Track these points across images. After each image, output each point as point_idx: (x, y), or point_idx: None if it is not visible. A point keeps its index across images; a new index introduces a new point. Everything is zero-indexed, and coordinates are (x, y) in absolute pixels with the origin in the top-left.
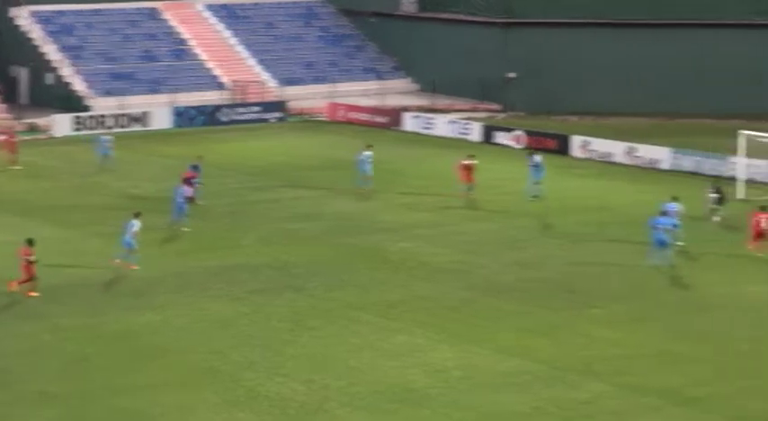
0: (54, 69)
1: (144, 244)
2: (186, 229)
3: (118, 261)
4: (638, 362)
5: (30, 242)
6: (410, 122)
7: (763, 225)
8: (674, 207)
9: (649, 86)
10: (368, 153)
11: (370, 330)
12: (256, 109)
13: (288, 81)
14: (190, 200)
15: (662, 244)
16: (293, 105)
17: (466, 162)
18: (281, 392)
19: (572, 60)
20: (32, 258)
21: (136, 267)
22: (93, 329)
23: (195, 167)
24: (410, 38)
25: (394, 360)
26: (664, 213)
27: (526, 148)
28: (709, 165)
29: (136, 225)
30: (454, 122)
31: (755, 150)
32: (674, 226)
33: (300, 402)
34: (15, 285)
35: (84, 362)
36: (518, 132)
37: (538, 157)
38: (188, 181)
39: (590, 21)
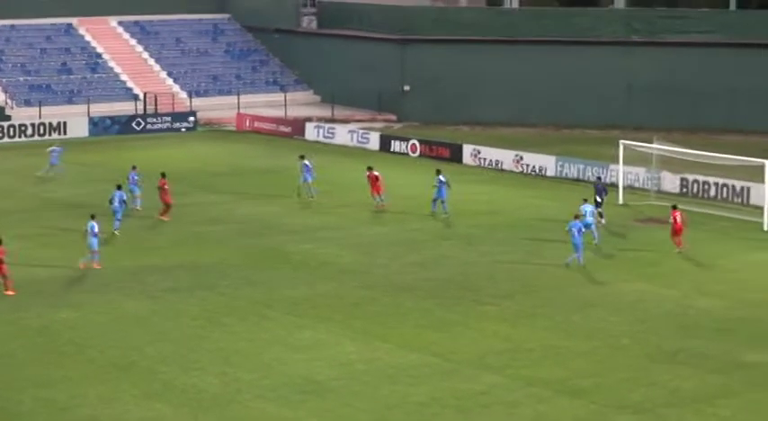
0: None
1: (60, 245)
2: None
3: (83, 263)
4: (527, 355)
5: None
6: (312, 132)
7: (678, 221)
8: (589, 209)
9: (535, 99)
10: (305, 162)
11: (278, 326)
12: (167, 119)
13: (196, 92)
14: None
15: (576, 246)
16: (202, 115)
17: (371, 173)
18: (197, 385)
19: (463, 74)
20: (2, 257)
21: (99, 266)
22: (14, 325)
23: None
24: (311, 52)
25: (301, 354)
26: (577, 216)
27: (435, 170)
28: (592, 172)
29: (95, 226)
30: (354, 132)
31: (633, 159)
32: (587, 227)
33: (214, 394)
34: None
35: (7, 357)
36: (413, 141)
37: (443, 177)
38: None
39: (480, 38)
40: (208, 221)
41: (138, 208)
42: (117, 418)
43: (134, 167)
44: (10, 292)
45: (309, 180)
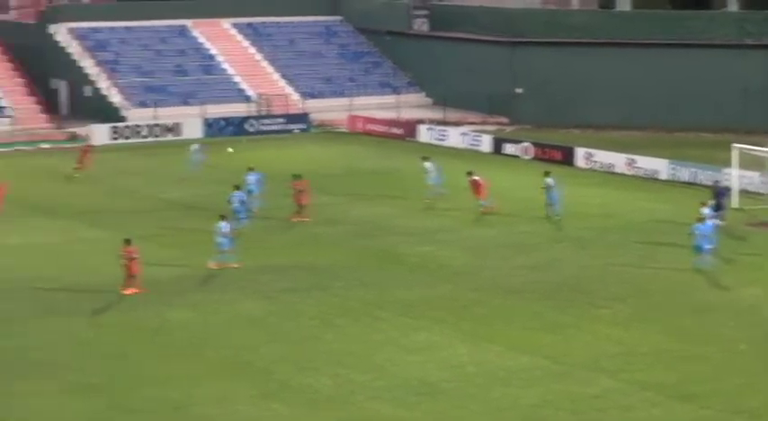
0: (92, 82)
1: (178, 246)
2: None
3: (215, 263)
4: (640, 359)
5: (128, 242)
6: (424, 134)
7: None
8: (708, 212)
9: (647, 102)
10: (428, 164)
11: (391, 328)
12: (281, 120)
13: (309, 94)
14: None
15: (699, 249)
16: (315, 117)
17: (471, 179)
18: (311, 385)
19: (575, 77)
20: (135, 256)
21: (236, 265)
22: (131, 325)
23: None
24: (423, 55)
25: (414, 356)
26: (701, 219)
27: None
28: (705, 176)
29: (225, 226)
30: (466, 134)
31: (747, 163)
32: (713, 229)
33: (328, 395)
34: (129, 290)
35: (124, 356)
36: (525, 144)
37: (551, 179)
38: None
39: (591, 41)
40: (323, 222)
41: (254, 210)
42: (233, 418)
43: (251, 169)
44: (129, 291)
45: (436, 182)
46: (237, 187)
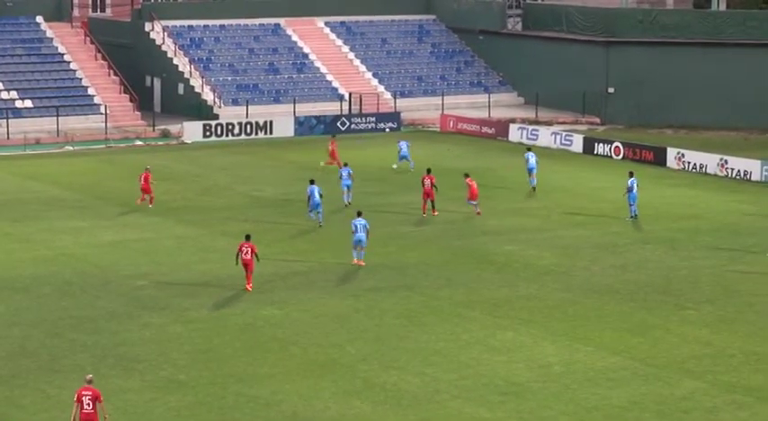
0: (185, 80)
1: (267, 243)
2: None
3: (355, 260)
4: (727, 361)
5: (248, 238)
6: (516, 133)
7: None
8: None
9: (741, 102)
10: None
11: (477, 327)
12: (372, 119)
13: (401, 93)
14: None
15: None
16: (406, 116)
17: (468, 181)
18: (396, 383)
19: (668, 77)
20: (256, 251)
21: (363, 263)
22: (219, 321)
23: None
24: (515, 54)
25: (501, 355)
26: None
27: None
28: None
29: (364, 222)
30: (557, 134)
31: None
32: None
33: (413, 393)
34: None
35: (211, 353)
36: (617, 144)
37: (632, 180)
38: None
39: (685, 40)
40: (412, 221)
41: (348, 202)
42: (318, 415)
43: (345, 164)
44: (250, 286)
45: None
46: (312, 181)
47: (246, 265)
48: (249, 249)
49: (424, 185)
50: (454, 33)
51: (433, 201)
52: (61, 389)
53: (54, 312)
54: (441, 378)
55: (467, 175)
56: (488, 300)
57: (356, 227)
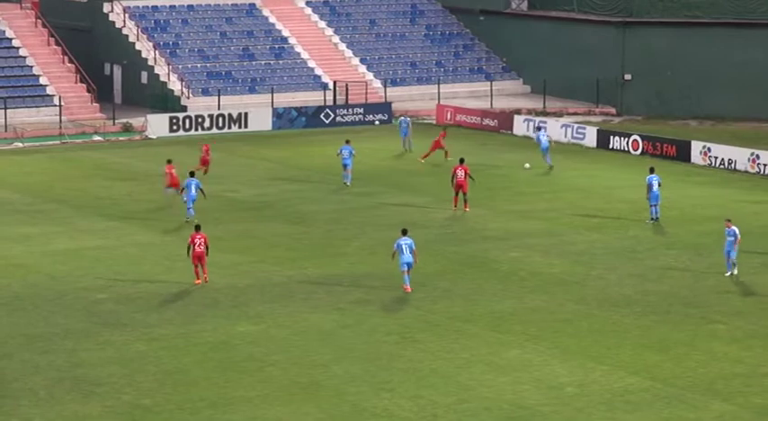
0: (149, 67)
1: (241, 251)
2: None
3: (408, 288)
4: (760, 381)
5: (198, 228)
6: (521, 126)
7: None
8: None
9: None
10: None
11: (479, 344)
12: (360, 110)
13: (392, 81)
14: None
15: None
16: (398, 107)
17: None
18: (388, 408)
19: (692, 62)
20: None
21: (409, 289)
22: (189, 339)
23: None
24: (521, 37)
25: (505, 375)
26: None
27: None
28: None
29: (410, 242)
30: (568, 126)
31: None
32: None
33: (407, 419)
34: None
35: (180, 374)
36: (635, 137)
37: (655, 177)
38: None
39: (711, 21)
40: (403, 225)
41: (347, 183)
42: None
43: (347, 141)
44: (198, 281)
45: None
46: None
47: (200, 258)
48: (202, 241)
49: (456, 177)
50: (451, 14)
51: (465, 195)
52: (9, 416)
53: (1, 329)
54: (438, 401)
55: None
56: (491, 313)
57: (401, 247)
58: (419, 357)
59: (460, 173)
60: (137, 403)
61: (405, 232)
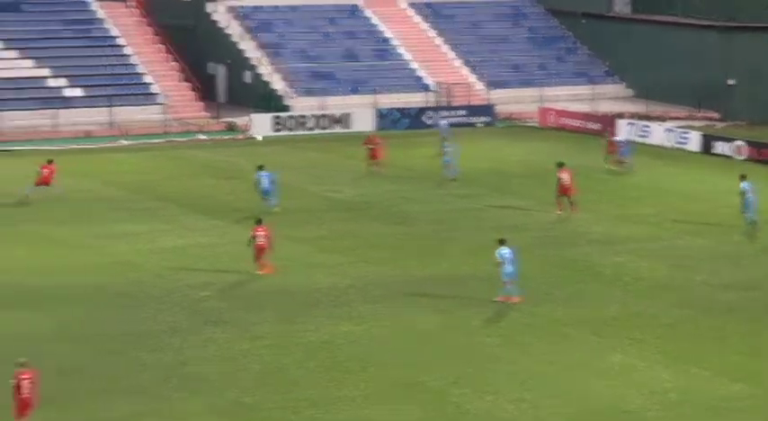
0: (252, 67)
1: (342, 251)
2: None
3: (500, 298)
4: None
5: (259, 222)
6: (624, 130)
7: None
8: None
9: None
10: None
11: (581, 348)
12: (462, 112)
13: (494, 84)
14: None
15: None
16: (501, 109)
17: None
18: (490, 411)
19: None
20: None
21: (518, 300)
22: (291, 338)
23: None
24: (624, 41)
25: (607, 380)
26: None
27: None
28: None
29: (508, 253)
30: (671, 131)
31: None
32: None
33: None
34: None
35: (282, 373)
36: (739, 143)
37: (746, 184)
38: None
39: None
40: (505, 228)
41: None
42: None
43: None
44: (263, 271)
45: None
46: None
47: (262, 250)
48: (263, 234)
49: (561, 181)
50: (554, 17)
51: (570, 198)
52: (118, 412)
53: (109, 326)
54: (540, 404)
55: (561, 165)
56: (594, 317)
57: (504, 257)
58: (521, 360)
59: (566, 177)
60: (239, 401)
61: (503, 242)
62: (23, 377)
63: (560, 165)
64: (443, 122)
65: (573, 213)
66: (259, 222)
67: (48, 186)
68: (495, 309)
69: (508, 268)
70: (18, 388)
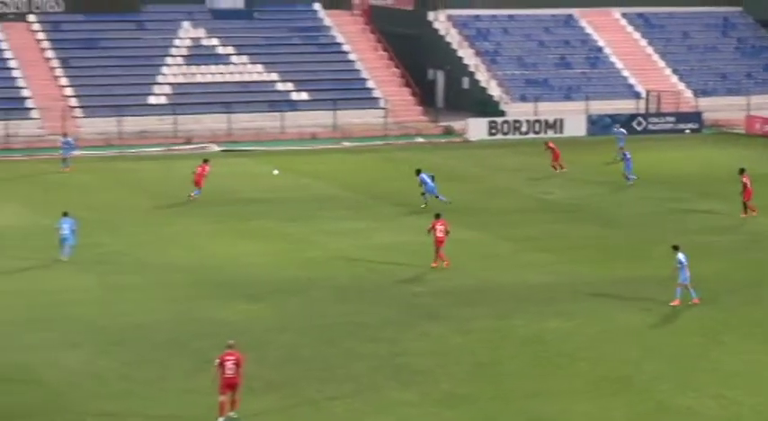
0: (470, 73)
1: (553, 250)
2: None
3: (676, 302)
4: None
5: (438, 216)
6: None
7: None
8: None
9: None
10: None
11: None
12: (671, 119)
13: (703, 91)
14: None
15: None
16: (708, 117)
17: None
18: (692, 407)
19: None
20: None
21: (697, 301)
22: (501, 333)
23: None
24: None
25: None
26: None
27: None
28: None
29: (682, 258)
30: None
31: None
32: None
33: (711, 417)
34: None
35: (494, 366)
36: None
37: None
38: None
39: None
40: (712, 231)
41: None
42: None
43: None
44: (435, 263)
45: None
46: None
47: (441, 242)
48: (442, 228)
49: (746, 187)
50: (762, 27)
51: (746, 201)
52: (332, 399)
53: (328, 318)
54: (742, 402)
55: (742, 171)
56: None
57: (681, 262)
58: (723, 358)
59: (747, 181)
60: (453, 392)
61: (677, 248)
62: (228, 357)
63: (741, 171)
64: (618, 129)
65: (754, 215)
66: (437, 217)
67: (199, 187)
68: (696, 309)
69: (685, 272)
70: (222, 367)
